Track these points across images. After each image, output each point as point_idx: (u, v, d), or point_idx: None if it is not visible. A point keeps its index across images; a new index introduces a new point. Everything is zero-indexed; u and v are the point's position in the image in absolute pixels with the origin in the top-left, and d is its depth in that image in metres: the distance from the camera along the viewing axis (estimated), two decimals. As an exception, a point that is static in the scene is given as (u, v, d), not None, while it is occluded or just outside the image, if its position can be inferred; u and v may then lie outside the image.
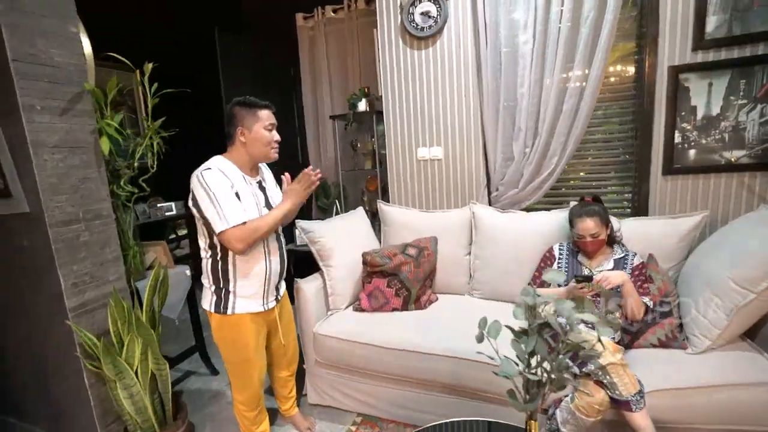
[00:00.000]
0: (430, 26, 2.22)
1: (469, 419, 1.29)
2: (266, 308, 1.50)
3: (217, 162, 1.43)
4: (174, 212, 3.03)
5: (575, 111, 1.98)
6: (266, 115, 1.45)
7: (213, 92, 2.89)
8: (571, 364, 0.89)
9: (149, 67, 1.80)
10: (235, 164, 1.45)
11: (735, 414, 1.29)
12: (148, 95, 1.82)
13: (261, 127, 1.43)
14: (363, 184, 2.91)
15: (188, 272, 2.11)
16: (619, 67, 2.12)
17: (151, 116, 1.85)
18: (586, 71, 1.95)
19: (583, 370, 1.38)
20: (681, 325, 1.53)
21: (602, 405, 1.32)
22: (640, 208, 2.06)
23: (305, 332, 1.87)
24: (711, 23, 1.82)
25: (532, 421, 0.92)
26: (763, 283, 1.32)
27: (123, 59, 1.72)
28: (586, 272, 1.70)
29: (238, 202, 1.37)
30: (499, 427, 1.22)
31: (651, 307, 1.55)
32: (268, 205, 1.50)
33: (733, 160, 1.87)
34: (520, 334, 0.89)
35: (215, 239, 1.40)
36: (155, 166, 1.93)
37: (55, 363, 1.63)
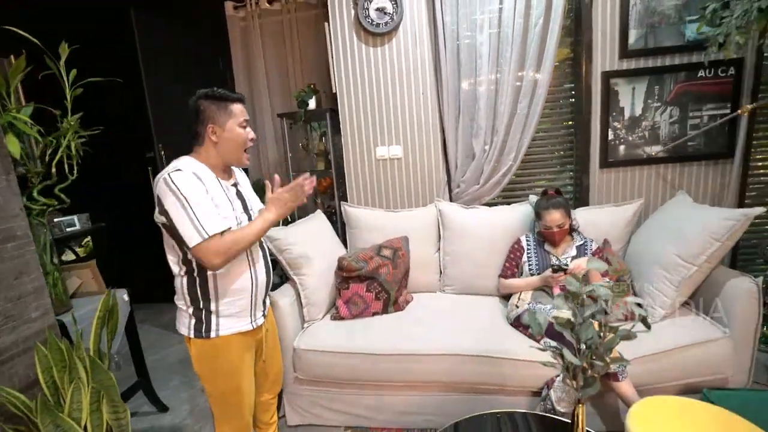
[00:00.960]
0: (386, 23, 2.18)
1: (494, 411, 1.28)
2: (255, 326, 1.29)
3: (186, 163, 1.20)
4: (77, 227, 2.53)
5: (528, 110, 2.13)
6: (240, 110, 1.24)
7: (133, 84, 2.48)
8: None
9: (65, 47, 1.47)
10: (207, 166, 1.23)
11: (690, 369, 1.50)
12: (66, 85, 1.49)
13: (235, 125, 1.22)
14: (317, 185, 2.76)
15: (126, 297, 1.77)
16: (557, 73, 2.33)
17: (71, 111, 1.52)
18: (536, 74, 2.10)
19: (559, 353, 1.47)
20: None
21: (592, 379, 1.43)
22: (581, 198, 2.29)
23: (284, 349, 1.69)
24: (632, 36, 2.10)
25: (581, 405, 0.94)
26: (702, 256, 1.56)
27: (28, 36, 1.37)
28: (554, 260, 1.83)
29: (215, 209, 1.17)
30: (524, 416, 1.25)
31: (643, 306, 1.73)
32: (247, 212, 1.29)
33: (653, 154, 2.18)
34: (569, 324, 0.91)
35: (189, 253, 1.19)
36: (75, 171, 1.59)
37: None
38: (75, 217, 2.55)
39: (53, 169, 1.49)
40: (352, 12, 2.23)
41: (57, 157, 1.48)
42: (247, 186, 1.39)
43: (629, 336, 0.90)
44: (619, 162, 2.22)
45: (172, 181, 1.12)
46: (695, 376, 1.50)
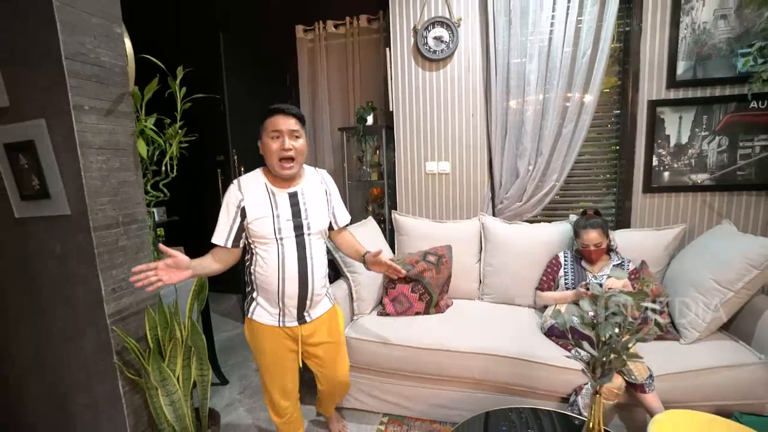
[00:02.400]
0: (442, 50, 2.40)
1: (511, 406, 1.43)
2: (281, 325, 1.45)
3: (250, 174, 1.47)
4: (156, 219, 2.92)
5: (573, 134, 2.25)
6: (270, 122, 1.37)
7: (216, 98, 2.86)
8: (629, 346, 1.06)
9: (181, 70, 1.80)
10: (268, 176, 1.44)
11: (721, 391, 1.55)
12: (178, 99, 1.82)
13: (267, 137, 1.38)
14: (367, 194, 3.01)
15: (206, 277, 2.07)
16: (604, 99, 2.43)
17: (179, 120, 1.85)
18: (583, 100, 2.23)
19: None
20: (672, 322, 1.80)
21: (620, 389, 1.52)
22: (623, 220, 2.36)
23: (336, 336, 1.92)
24: (681, 67, 2.18)
25: (598, 396, 1.07)
26: (739, 283, 1.61)
27: (159, 63, 1.71)
28: (590, 276, 1.93)
29: (227, 223, 1.41)
30: (537, 413, 1.38)
31: (657, 311, 1.81)
32: (296, 218, 1.41)
33: (698, 181, 2.22)
34: (590, 324, 1.05)
35: (253, 249, 1.44)
36: (175, 170, 1.91)
37: (79, 375, 1.54)
38: (154, 210, 2.97)
39: (163, 168, 1.82)
40: (412, 40, 2.47)
41: (166, 158, 1.81)
42: (313, 194, 1.48)
43: (644, 339, 1.02)
44: (663, 188, 2.28)
45: (228, 187, 1.44)
46: (727, 399, 1.54)
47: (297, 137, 1.39)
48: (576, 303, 1.89)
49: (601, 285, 1.77)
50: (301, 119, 1.42)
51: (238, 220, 1.41)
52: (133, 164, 1.58)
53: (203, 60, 3.11)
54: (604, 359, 1.01)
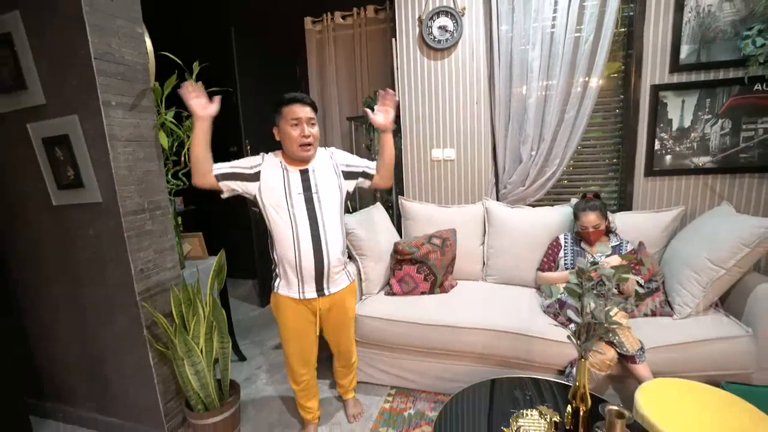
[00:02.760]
0: (446, 39, 2.46)
1: (511, 375, 1.53)
2: (301, 297, 1.55)
3: (269, 154, 1.58)
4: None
5: (575, 119, 2.30)
6: (288, 111, 1.47)
7: (229, 91, 2.97)
8: (611, 315, 1.15)
9: (197, 65, 1.91)
10: (284, 158, 1.55)
11: (710, 362, 1.62)
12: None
13: (286, 124, 1.48)
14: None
15: (224, 258, 2.21)
16: (608, 83, 2.46)
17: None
18: (586, 86, 2.27)
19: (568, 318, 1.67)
20: (667, 299, 1.87)
21: (612, 361, 1.61)
22: (625, 203, 2.41)
23: (345, 314, 2.05)
24: (684, 51, 2.19)
25: (583, 360, 1.17)
26: (731, 261, 1.67)
27: (176, 59, 1.83)
28: (588, 257, 2.00)
29: (234, 165, 1.51)
30: (536, 381, 1.48)
31: (642, 284, 1.88)
32: (307, 191, 1.52)
33: (700, 164, 2.26)
34: (577, 293, 1.14)
35: (269, 224, 1.54)
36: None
37: (114, 347, 1.70)
38: (175, 199, 3.12)
39: (181, 158, 1.95)
40: (417, 30, 2.53)
41: (185, 149, 1.94)
42: (324, 170, 1.57)
43: (625, 308, 1.11)
44: (665, 171, 2.32)
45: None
46: (715, 370, 1.62)
47: (313, 124, 1.51)
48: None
49: (596, 263, 1.84)
50: (315, 108, 1.55)
51: (244, 174, 1.51)
52: (156, 155, 1.71)
53: (216, 54, 3.21)
54: (588, 325, 1.11)
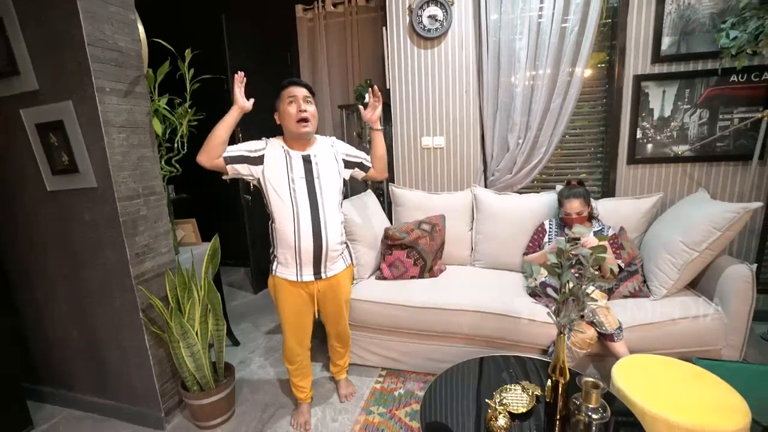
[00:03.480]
0: (436, 28, 2.49)
1: (496, 354, 1.61)
2: (299, 280, 1.60)
3: (273, 138, 1.65)
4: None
5: (560, 108, 2.36)
6: (286, 92, 1.56)
7: (222, 78, 2.97)
8: (588, 292, 1.22)
9: (189, 52, 1.93)
10: (285, 142, 1.62)
11: (683, 340, 1.72)
12: (187, 80, 1.95)
13: (285, 104, 1.56)
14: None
15: (218, 243, 2.25)
16: (593, 73, 2.53)
17: (189, 100, 1.99)
18: (571, 75, 2.33)
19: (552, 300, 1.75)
20: (645, 281, 1.96)
21: (592, 339, 1.70)
22: (609, 191, 2.49)
23: (337, 298, 2.11)
24: (665, 42, 2.26)
25: (562, 335, 1.25)
26: (704, 244, 1.76)
27: (169, 46, 1.84)
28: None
29: (241, 149, 1.56)
30: (521, 359, 1.56)
31: (622, 267, 1.97)
32: (309, 175, 1.57)
33: (679, 153, 2.35)
34: (556, 270, 1.21)
35: (270, 206, 1.59)
36: (186, 147, 2.06)
37: (110, 330, 1.74)
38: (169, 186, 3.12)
39: (176, 145, 1.97)
40: (407, 18, 2.56)
41: (178, 136, 1.96)
42: (325, 157, 1.64)
43: (601, 285, 1.18)
44: (646, 159, 2.40)
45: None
46: (687, 347, 1.72)
47: (309, 102, 1.59)
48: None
49: (577, 239, 1.92)
50: (311, 90, 1.63)
51: (250, 158, 1.56)
52: (150, 141, 1.73)
53: (207, 42, 3.21)
54: (566, 302, 1.18)
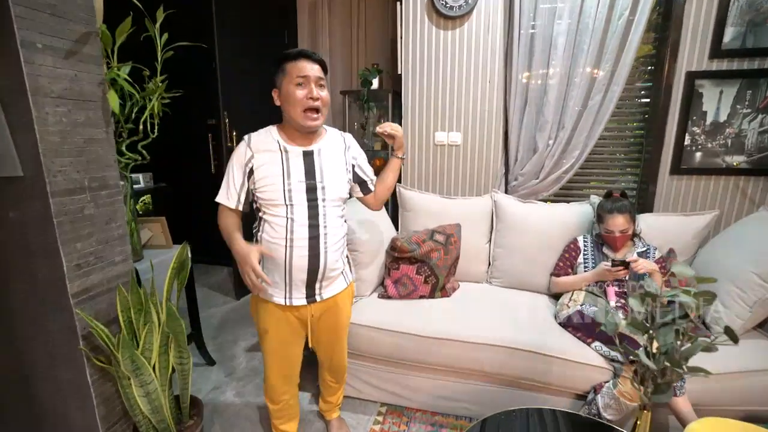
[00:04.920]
0: (460, 6, 2.13)
1: (538, 407, 1.28)
2: (288, 303, 1.30)
3: (261, 131, 1.32)
4: (141, 185, 2.70)
5: (600, 106, 2.03)
6: (293, 67, 1.20)
7: (206, 54, 2.57)
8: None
9: (161, 12, 1.54)
10: (282, 133, 1.29)
11: (755, 396, 1.42)
12: (158, 45, 1.57)
13: (290, 84, 1.21)
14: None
15: (188, 253, 1.88)
16: (634, 69, 2.20)
17: (159, 72, 1.60)
18: (615, 68, 1.99)
19: (629, 357, 1.43)
20: (701, 318, 1.65)
21: (646, 391, 1.38)
22: (645, 204, 2.18)
23: (333, 321, 1.76)
24: (728, 34, 1.94)
25: (646, 412, 0.92)
26: (783, 278, 1.45)
27: (134, 1, 1.45)
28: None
29: (233, 182, 1.28)
30: (566, 415, 1.23)
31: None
32: (310, 179, 1.25)
33: (734, 164, 2.03)
34: (645, 327, 0.88)
35: (258, 212, 1.32)
36: (156, 130, 1.68)
37: (43, 360, 1.37)
38: (140, 176, 2.73)
39: (141, 127, 1.58)
40: (427, -7, 2.19)
41: (145, 116, 1.58)
42: (332, 156, 1.32)
43: (710, 348, 0.86)
44: (693, 170, 2.09)
45: (236, 146, 1.29)
46: (760, 405, 1.42)
47: (322, 86, 1.25)
48: (594, 294, 1.77)
49: (627, 264, 1.60)
50: (325, 67, 1.27)
51: (246, 183, 1.28)
52: (103, 119, 1.34)
53: (191, 10, 2.81)
54: (659, 372, 0.85)
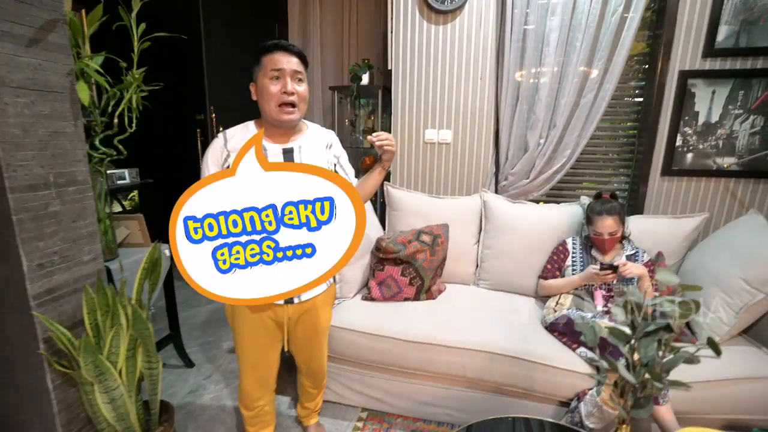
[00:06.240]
0: (452, 0, 2.07)
1: (524, 416, 1.23)
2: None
3: (236, 127, 1.26)
4: (127, 181, 2.62)
5: (592, 105, 1.99)
6: (269, 60, 1.15)
7: (192, 47, 2.50)
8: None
9: (137, 2, 1.47)
10: (258, 128, 1.24)
11: (740, 404, 1.39)
12: (135, 37, 1.50)
13: (264, 77, 1.16)
14: (358, 163, 2.73)
15: (168, 252, 1.81)
16: (627, 67, 2.15)
17: (136, 64, 1.53)
18: (608, 66, 1.95)
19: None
20: (687, 324, 1.62)
21: (630, 398, 1.35)
22: (635, 205, 2.14)
23: (313, 323, 1.70)
24: (722, 33, 1.90)
25: (625, 426, 0.88)
26: (772, 283, 1.42)
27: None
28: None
29: (208, 170, 1.23)
30: (552, 426, 1.19)
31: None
32: None
33: (725, 166, 2.00)
34: (624, 337, 0.84)
35: None
36: (134, 125, 1.61)
37: (3, 366, 1.30)
38: (126, 171, 2.64)
39: (116, 120, 1.52)
40: (417, -14, 2.13)
41: (120, 109, 1.51)
42: (313, 152, 1.26)
43: (692, 359, 0.82)
44: (684, 171, 2.06)
45: (210, 143, 1.24)
46: (745, 413, 1.39)
47: (300, 80, 1.19)
48: (581, 297, 1.73)
49: (615, 268, 1.56)
50: (304, 60, 1.21)
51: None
52: (71, 112, 1.28)
53: (178, 4, 2.72)
54: (641, 383, 0.81)
